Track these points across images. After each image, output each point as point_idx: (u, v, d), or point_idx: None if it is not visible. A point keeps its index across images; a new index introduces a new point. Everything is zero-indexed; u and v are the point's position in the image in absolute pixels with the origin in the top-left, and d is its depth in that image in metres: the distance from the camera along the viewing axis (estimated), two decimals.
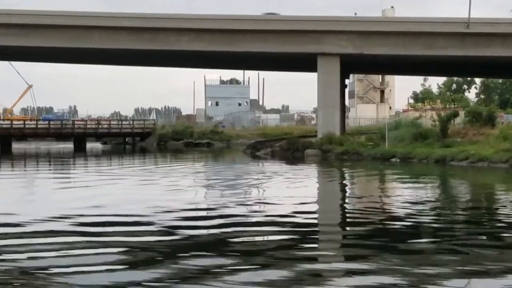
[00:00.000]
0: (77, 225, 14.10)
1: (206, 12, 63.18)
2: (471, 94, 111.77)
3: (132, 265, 9.94)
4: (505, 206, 18.01)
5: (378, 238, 12.72)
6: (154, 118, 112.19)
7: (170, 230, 13.47)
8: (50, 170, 38.12)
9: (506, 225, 14.45)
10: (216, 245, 11.74)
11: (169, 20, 51.04)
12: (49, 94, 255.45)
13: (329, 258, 10.81)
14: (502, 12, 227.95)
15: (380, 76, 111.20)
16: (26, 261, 10.32)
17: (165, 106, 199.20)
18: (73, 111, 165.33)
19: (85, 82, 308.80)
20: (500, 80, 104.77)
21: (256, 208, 17.91)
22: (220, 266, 9.73)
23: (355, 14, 75.98)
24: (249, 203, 19.00)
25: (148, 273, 9.38)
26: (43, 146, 78.29)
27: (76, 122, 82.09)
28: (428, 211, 16.63)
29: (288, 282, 8.84)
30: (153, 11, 53.20)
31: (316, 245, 12.39)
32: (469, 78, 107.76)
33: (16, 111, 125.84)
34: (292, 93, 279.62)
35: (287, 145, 51.33)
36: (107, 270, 9.75)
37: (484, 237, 12.76)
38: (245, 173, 31.83)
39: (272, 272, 9.39)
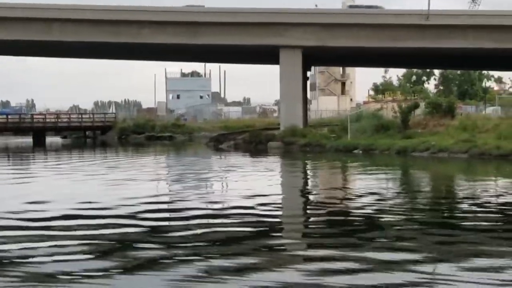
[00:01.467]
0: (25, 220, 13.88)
1: (169, 4, 62.50)
2: (431, 86, 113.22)
3: (95, 255, 9.97)
4: (465, 197, 18.27)
5: (339, 226, 12.81)
6: (114, 111, 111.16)
7: (132, 221, 13.39)
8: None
9: (463, 213, 14.64)
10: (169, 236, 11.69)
11: (131, 12, 50.59)
12: (5, 88, 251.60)
13: (293, 246, 10.87)
14: (463, 4, 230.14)
15: (341, 68, 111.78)
16: None
17: (125, 100, 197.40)
18: (31, 105, 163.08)
19: (42, 76, 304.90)
20: (459, 72, 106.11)
21: (215, 200, 17.91)
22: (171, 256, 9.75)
23: (316, 6, 76.35)
24: (208, 195, 18.98)
25: (110, 262, 9.42)
26: (1, 140, 77.18)
27: (35, 116, 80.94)
28: (386, 201, 16.76)
29: (254, 269, 8.85)
30: (116, 3, 52.34)
31: (280, 234, 12.42)
32: (428, 70, 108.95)
33: None
34: (253, 86, 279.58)
35: (250, 137, 51.34)
36: (71, 260, 9.73)
37: (440, 225, 12.89)
38: (207, 166, 31.77)
39: (241, 260, 9.40)
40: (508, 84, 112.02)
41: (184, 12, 51.66)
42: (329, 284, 8.21)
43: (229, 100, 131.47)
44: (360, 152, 40.85)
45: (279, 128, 52.19)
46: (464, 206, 16.22)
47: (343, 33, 50.69)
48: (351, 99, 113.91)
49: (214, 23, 50.41)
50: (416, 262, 9.37)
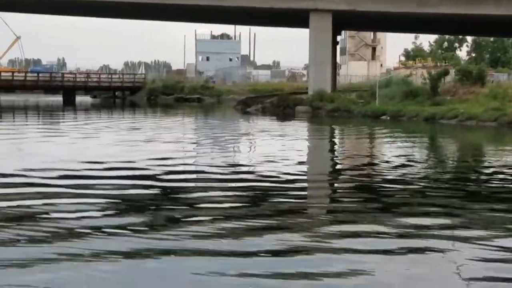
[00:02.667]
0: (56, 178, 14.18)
1: None
2: (462, 53, 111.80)
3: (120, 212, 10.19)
4: (492, 167, 18.24)
5: (362, 193, 12.89)
6: (144, 72, 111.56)
7: (156, 183, 13.59)
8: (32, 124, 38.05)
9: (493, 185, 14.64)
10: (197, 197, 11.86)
11: None
12: (37, 46, 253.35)
13: (315, 210, 10.98)
14: None
15: (372, 33, 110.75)
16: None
17: (155, 60, 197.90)
18: (62, 63, 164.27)
19: (73, 35, 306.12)
20: (492, 39, 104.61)
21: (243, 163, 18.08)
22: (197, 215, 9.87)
23: None
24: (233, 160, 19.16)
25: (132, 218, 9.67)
26: (32, 98, 77.99)
27: (65, 75, 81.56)
28: (415, 170, 16.79)
29: (273, 229, 8.97)
30: None
31: (303, 200, 12.53)
32: (460, 36, 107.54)
33: (4, 62, 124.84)
34: (283, 49, 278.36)
35: (278, 101, 51.31)
36: (95, 217, 9.99)
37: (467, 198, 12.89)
38: (234, 130, 31.95)
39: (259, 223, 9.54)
40: None
41: None
42: (353, 248, 8.33)
43: (258, 63, 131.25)
44: (388, 118, 40.69)
45: (307, 93, 52.08)
46: (492, 176, 16.18)
47: None
48: (381, 65, 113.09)
49: None
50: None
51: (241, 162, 18.50)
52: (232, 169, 16.56)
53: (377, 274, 7.26)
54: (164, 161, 17.36)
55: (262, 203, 11.47)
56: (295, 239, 8.71)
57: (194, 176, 15.48)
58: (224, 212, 10.56)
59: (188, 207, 11.10)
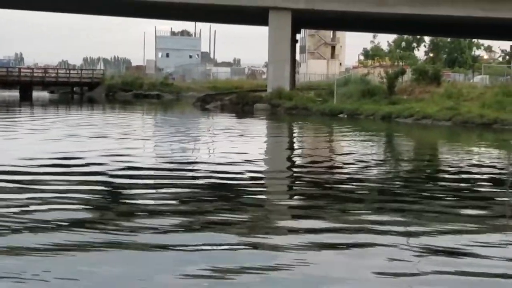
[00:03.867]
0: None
1: None
2: (420, 53, 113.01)
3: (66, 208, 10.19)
4: (445, 164, 18.59)
5: (321, 190, 13.07)
6: (103, 68, 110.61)
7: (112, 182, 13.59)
8: None
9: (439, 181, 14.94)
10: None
11: None
12: None
13: (272, 206, 11.11)
14: None
15: (331, 32, 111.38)
16: None
17: (114, 56, 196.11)
18: (19, 58, 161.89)
19: (32, 30, 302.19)
20: (449, 39, 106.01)
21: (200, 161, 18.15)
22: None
23: None
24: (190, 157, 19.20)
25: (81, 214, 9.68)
26: None
27: (22, 70, 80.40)
28: (370, 167, 17.05)
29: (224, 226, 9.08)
30: None
31: (262, 196, 12.64)
32: (418, 37, 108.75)
33: None
34: (244, 47, 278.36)
35: (237, 98, 51.39)
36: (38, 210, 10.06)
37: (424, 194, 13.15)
38: (192, 126, 31.97)
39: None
40: (498, 53, 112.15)
41: None
42: (315, 241, 8.48)
43: (219, 60, 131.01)
44: (345, 116, 41.06)
45: (266, 90, 52.25)
46: (441, 173, 16.50)
47: None
48: (340, 63, 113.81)
49: None
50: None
51: (197, 159, 18.56)
52: (189, 166, 16.62)
53: (326, 268, 7.41)
54: (120, 157, 17.33)
55: (218, 199, 11.58)
56: (248, 234, 8.84)
57: (152, 172, 15.46)
58: (178, 208, 10.65)
59: (140, 203, 11.16)
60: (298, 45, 70.44)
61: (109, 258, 7.67)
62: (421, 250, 8.14)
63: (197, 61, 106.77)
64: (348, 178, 14.95)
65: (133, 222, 9.38)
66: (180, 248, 8.10)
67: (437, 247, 8.30)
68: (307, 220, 9.96)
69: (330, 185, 13.97)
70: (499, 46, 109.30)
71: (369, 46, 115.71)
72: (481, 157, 20.86)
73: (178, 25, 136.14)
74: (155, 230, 8.97)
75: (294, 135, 31.41)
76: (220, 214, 10.17)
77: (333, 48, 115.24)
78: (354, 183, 14.07)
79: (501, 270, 7.49)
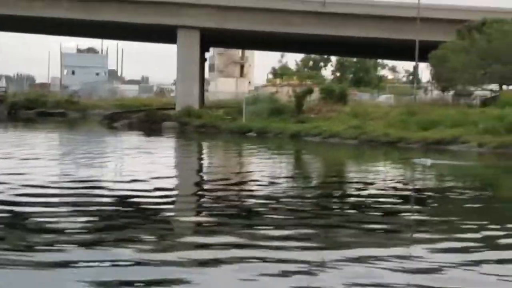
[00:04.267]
0: None
1: None
2: (327, 72, 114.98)
3: None
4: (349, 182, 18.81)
5: (228, 208, 12.95)
6: (5, 85, 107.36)
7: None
8: None
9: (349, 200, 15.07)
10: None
11: None
12: None
13: (176, 223, 10.91)
14: None
15: (241, 51, 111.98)
16: None
17: (17, 74, 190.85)
18: None
19: None
20: (355, 59, 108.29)
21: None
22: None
23: None
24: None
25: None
26: None
27: None
28: (276, 184, 17.05)
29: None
30: None
31: (170, 214, 12.41)
32: (325, 56, 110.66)
33: None
34: (152, 65, 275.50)
35: (145, 117, 50.94)
36: None
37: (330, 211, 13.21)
38: (96, 145, 31.32)
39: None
40: (402, 73, 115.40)
41: None
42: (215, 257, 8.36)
43: (127, 78, 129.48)
44: (254, 134, 41.23)
45: (175, 108, 51.97)
46: (353, 191, 16.66)
47: (240, 16, 50.89)
48: (249, 82, 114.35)
49: (112, 0, 49.56)
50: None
51: (102, 177, 18.13)
52: (94, 184, 16.18)
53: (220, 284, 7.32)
54: (20, 176, 16.72)
55: (124, 216, 11.29)
56: (151, 251, 8.64)
57: (55, 191, 14.93)
58: (83, 226, 10.32)
59: (41, 221, 10.76)
60: (207, 64, 70.48)
61: (6, 276, 7.33)
62: (322, 262, 8.11)
63: (104, 78, 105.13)
64: (254, 195, 14.88)
65: (32, 240, 9.06)
66: (81, 265, 7.87)
67: (340, 261, 8.29)
68: (212, 236, 9.83)
69: (236, 202, 13.86)
70: (403, 66, 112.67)
71: (277, 65, 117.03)
72: (384, 175, 21.20)
73: (85, 42, 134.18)
74: (51, 247, 8.72)
75: (203, 153, 31.24)
76: (125, 231, 9.95)
77: (242, 66, 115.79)
78: (260, 200, 14.00)
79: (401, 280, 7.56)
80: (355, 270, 8.05)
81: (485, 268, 8.28)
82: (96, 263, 8.07)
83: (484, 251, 9.43)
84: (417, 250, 9.43)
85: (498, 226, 11.19)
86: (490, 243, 9.85)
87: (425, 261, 8.55)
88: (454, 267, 8.28)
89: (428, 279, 7.74)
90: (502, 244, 9.88)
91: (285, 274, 7.73)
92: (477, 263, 8.51)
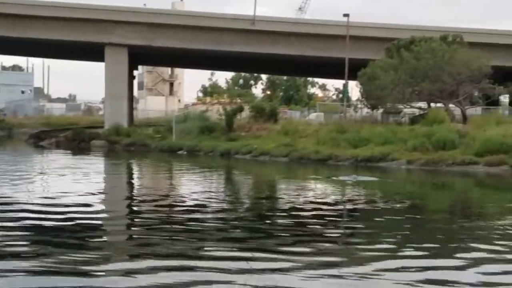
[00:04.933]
0: None
1: None
2: (258, 90, 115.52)
3: None
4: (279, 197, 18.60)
5: (161, 225, 12.53)
6: None
7: None
8: None
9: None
10: None
11: None
12: None
13: (102, 244, 10.46)
14: (292, 12, 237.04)
15: (170, 68, 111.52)
16: None
17: None
18: None
19: None
20: (285, 77, 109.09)
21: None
22: None
23: (145, 5, 75.63)
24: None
25: None
26: None
27: None
28: (205, 205, 16.69)
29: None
30: None
31: (96, 233, 11.92)
32: (256, 74, 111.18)
33: None
34: (81, 82, 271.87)
35: (73, 135, 49.97)
36: None
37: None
38: (22, 164, 30.36)
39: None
40: (331, 91, 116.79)
41: (4, 3, 49.22)
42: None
43: (54, 96, 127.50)
44: (185, 153, 40.86)
45: (103, 127, 51.17)
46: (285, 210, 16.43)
47: (169, 34, 50.58)
48: (179, 100, 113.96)
49: (37, 17, 48.57)
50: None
51: (24, 200, 17.40)
52: (16, 207, 15.50)
53: None
54: None
55: (52, 240, 10.76)
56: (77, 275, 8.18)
57: None
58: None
59: None
60: (136, 81, 69.80)
61: None
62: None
63: (30, 96, 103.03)
64: (183, 217, 14.49)
65: None
66: None
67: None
68: (141, 260, 9.44)
69: (166, 223, 13.44)
70: (333, 84, 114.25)
71: (207, 83, 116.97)
72: (313, 193, 21.05)
73: (9, 60, 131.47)
74: None
75: (132, 172, 30.60)
76: (52, 256, 9.45)
77: (172, 84, 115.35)
78: (189, 222, 13.61)
79: None
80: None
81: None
82: None
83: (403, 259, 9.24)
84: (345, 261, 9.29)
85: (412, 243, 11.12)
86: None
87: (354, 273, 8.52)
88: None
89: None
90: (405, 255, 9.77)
91: None
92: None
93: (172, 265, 9.27)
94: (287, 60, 55.80)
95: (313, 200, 18.58)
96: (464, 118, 41.70)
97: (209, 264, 9.22)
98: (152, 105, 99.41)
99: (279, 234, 12.30)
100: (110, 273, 8.82)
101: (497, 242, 11.28)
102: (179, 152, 41.17)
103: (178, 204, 17.33)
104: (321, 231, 12.72)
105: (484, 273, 8.97)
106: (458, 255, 10.26)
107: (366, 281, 8.51)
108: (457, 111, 43.74)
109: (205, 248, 10.65)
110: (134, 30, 50.05)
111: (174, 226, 13.22)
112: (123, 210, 16.23)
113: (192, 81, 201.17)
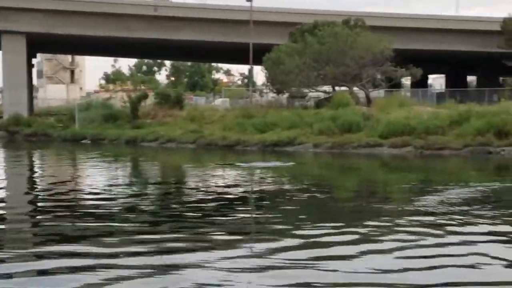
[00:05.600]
0: None
1: None
2: (162, 76, 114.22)
3: None
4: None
5: (68, 218, 12.03)
6: None
7: None
8: None
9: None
10: None
11: None
12: None
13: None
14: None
15: (70, 56, 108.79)
16: None
17: None
18: None
19: None
20: (189, 63, 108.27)
21: None
22: None
23: None
24: None
25: None
26: None
27: None
28: (113, 193, 16.21)
29: None
30: None
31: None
32: (159, 61, 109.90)
33: None
34: None
35: None
36: None
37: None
38: None
39: None
40: (236, 76, 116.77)
41: None
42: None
43: None
44: (89, 141, 40.04)
45: (2, 117, 49.52)
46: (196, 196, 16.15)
47: (69, 21, 49.21)
48: (81, 88, 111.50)
49: None
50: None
51: None
52: None
53: None
54: None
55: None
56: None
57: None
58: None
59: None
60: (35, 70, 67.76)
61: None
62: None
63: None
64: (91, 205, 14.00)
65: None
66: None
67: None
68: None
69: (67, 213, 12.93)
70: (238, 69, 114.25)
71: (110, 70, 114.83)
72: (220, 179, 20.80)
73: None
74: None
75: (34, 163, 29.54)
76: None
77: (73, 72, 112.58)
78: (93, 210, 13.15)
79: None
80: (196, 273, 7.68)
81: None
82: None
83: (310, 249, 9.18)
84: (258, 249, 9.19)
85: (325, 224, 11.10)
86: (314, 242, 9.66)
87: (267, 259, 8.45)
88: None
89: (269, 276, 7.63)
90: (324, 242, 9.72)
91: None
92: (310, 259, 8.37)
93: (69, 250, 8.92)
94: (191, 46, 55.28)
95: (220, 185, 18.40)
96: (368, 101, 42.40)
97: (109, 251, 8.90)
98: (52, 94, 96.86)
99: (185, 218, 12.08)
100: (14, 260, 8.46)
101: (397, 220, 11.35)
102: (83, 141, 40.29)
103: (81, 193, 16.76)
104: (226, 214, 12.55)
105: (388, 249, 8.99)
106: (358, 230, 10.33)
107: (267, 260, 8.38)
108: (361, 94, 44.42)
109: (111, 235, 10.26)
110: (32, 17, 48.38)
111: (76, 215, 12.74)
112: (23, 201, 15.57)
113: (94, 69, 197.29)
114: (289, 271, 7.92)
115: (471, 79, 76.46)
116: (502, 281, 7.57)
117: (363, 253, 8.87)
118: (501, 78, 73.18)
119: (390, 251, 9.00)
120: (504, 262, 8.37)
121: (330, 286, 7.31)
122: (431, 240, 9.68)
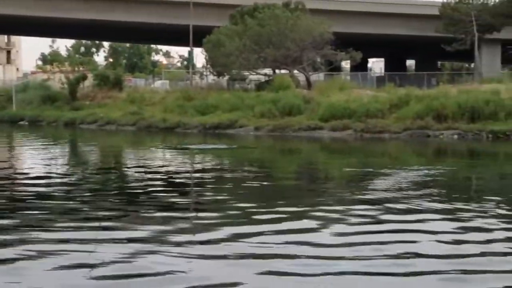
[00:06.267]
0: None
1: None
2: (100, 58, 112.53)
3: None
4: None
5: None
6: None
7: None
8: None
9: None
10: None
11: None
12: None
13: None
14: None
15: (6, 36, 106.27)
16: None
17: None
18: None
19: None
20: (128, 45, 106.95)
21: None
22: None
23: None
24: None
25: None
26: None
27: None
28: (53, 178, 16.00)
29: None
30: None
31: None
32: (97, 42, 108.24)
33: None
34: None
35: None
36: None
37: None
38: None
39: None
40: (176, 58, 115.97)
41: None
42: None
43: None
44: (27, 123, 39.32)
45: None
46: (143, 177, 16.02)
47: (6, 1, 47.88)
48: (17, 69, 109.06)
49: None
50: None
51: None
52: None
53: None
54: None
55: None
56: None
57: None
58: None
59: None
60: None
61: None
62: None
63: None
64: (31, 192, 13.77)
65: None
66: None
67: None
68: None
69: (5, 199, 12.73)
70: (177, 51, 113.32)
71: (47, 51, 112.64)
72: (161, 162, 20.61)
73: None
74: None
75: None
76: None
77: (9, 52, 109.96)
78: (31, 194, 12.95)
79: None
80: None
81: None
82: None
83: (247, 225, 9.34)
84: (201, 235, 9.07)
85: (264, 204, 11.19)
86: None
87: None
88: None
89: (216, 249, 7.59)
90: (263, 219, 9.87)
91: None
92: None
93: (13, 239, 8.77)
94: (128, 27, 54.48)
95: (160, 170, 18.22)
96: (309, 84, 42.67)
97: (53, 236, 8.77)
98: None
99: (125, 206, 11.95)
100: None
101: (337, 206, 11.42)
102: (21, 122, 39.62)
103: (19, 177, 16.48)
104: (168, 200, 12.48)
105: (334, 233, 9.09)
106: (308, 215, 10.39)
107: (217, 246, 8.38)
108: (301, 77, 44.67)
109: (50, 220, 10.12)
110: None
111: (15, 197, 12.54)
112: None
113: (31, 49, 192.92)
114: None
115: (410, 63, 77.51)
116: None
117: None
118: (439, 62, 74.51)
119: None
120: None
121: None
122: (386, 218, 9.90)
